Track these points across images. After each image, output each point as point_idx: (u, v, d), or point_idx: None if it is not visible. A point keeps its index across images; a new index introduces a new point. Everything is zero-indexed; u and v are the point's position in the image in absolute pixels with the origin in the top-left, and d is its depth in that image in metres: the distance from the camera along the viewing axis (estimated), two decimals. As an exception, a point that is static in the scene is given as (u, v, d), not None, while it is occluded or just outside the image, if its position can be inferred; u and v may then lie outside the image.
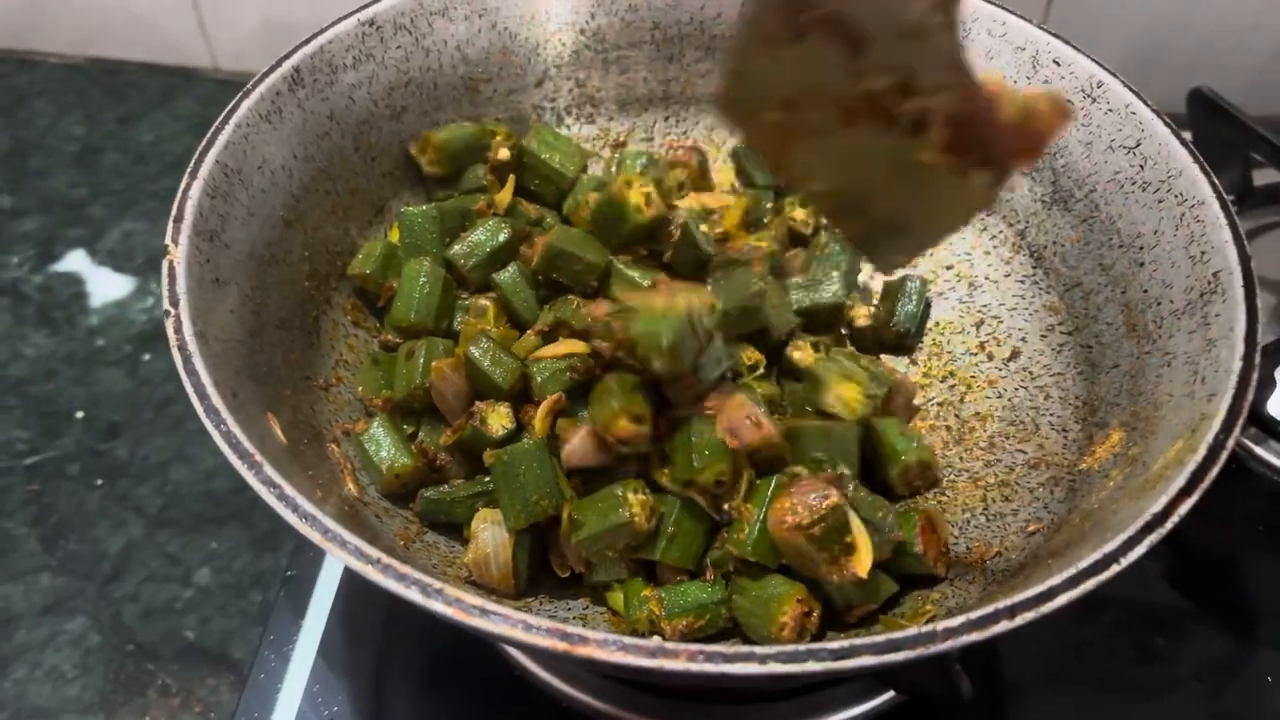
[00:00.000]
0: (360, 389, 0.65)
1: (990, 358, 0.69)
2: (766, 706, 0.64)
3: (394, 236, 0.69)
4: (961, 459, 0.65)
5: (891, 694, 0.66)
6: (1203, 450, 0.47)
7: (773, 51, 0.47)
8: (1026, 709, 0.68)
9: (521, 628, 0.40)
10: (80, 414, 0.94)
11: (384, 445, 0.61)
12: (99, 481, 0.90)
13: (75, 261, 1.06)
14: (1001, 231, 0.71)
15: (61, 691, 0.77)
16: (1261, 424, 0.77)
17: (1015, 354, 0.68)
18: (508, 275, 0.66)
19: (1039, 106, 0.42)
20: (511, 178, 0.72)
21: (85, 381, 0.96)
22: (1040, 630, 0.68)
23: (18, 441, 0.92)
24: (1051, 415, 0.64)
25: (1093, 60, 0.64)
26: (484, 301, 0.66)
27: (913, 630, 0.41)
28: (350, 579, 0.72)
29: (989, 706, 0.68)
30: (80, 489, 0.89)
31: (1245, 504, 0.78)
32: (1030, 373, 0.67)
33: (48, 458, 0.91)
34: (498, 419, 0.61)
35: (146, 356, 0.98)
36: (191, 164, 0.57)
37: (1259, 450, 0.76)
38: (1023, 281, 0.70)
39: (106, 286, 1.04)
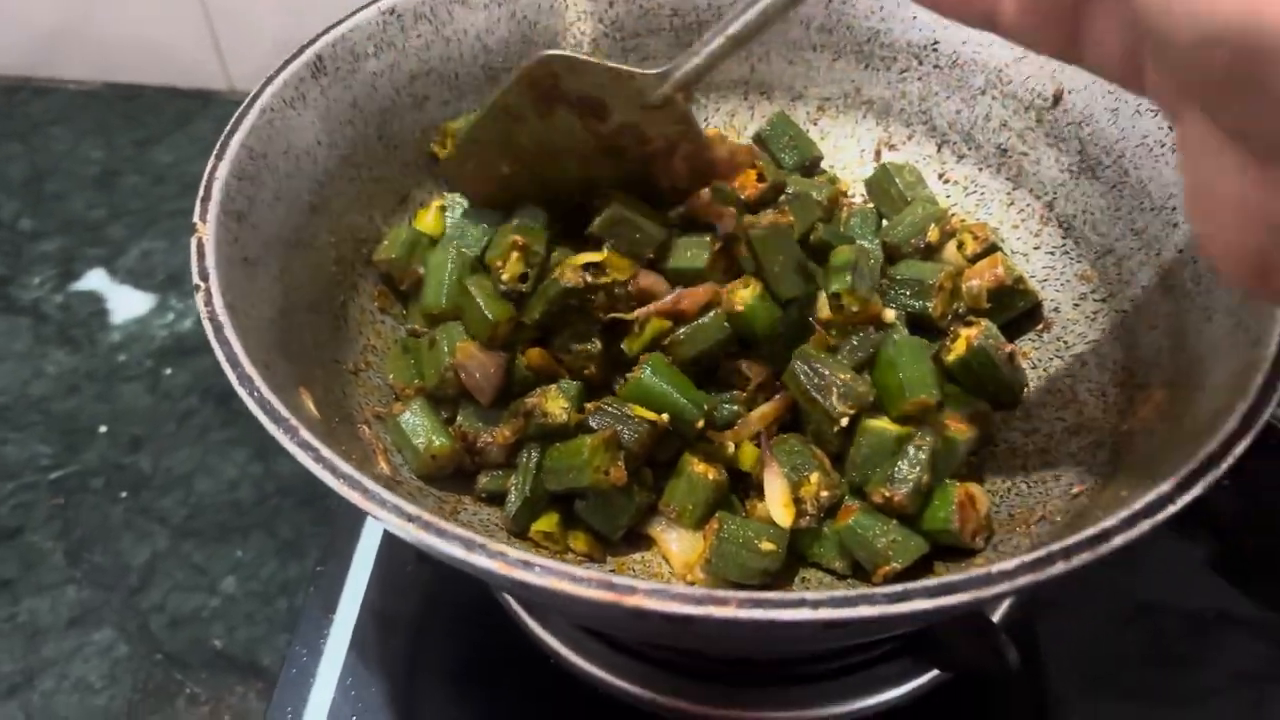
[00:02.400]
0: (391, 377, 0.64)
1: (1022, 331, 0.68)
2: (810, 687, 0.63)
3: (418, 223, 0.69)
4: (999, 431, 0.64)
5: (935, 673, 0.64)
6: (1253, 393, 0.46)
7: (520, 125, 0.59)
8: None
9: (569, 580, 0.40)
10: (103, 429, 0.94)
11: (420, 427, 0.60)
12: (123, 494, 0.89)
13: (95, 280, 1.06)
14: (1029, 204, 0.71)
15: (89, 702, 0.77)
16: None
17: (1048, 325, 0.68)
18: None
19: (738, 149, 0.61)
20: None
21: (107, 397, 0.96)
22: (1083, 638, 0.69)
23: (42, 457, 0.92)
24: (1089, 382, 0.63)
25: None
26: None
27: (967, 573, 0.40)
28: (382, 570, 0.72)
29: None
30: (104, 502, 0.89)
31: (1281, 479, 0.77)
32: (1065, 342, 0.66)
33: (71, 472, 0.91)
34: (557, 404, 0.60)
35: (168, 371, 0.98)
36: (217, 147, 0.57)
37: (1298, 424, 0.75)
38: (1052, 253, 0.69)
39: (127, 304, 1.04)
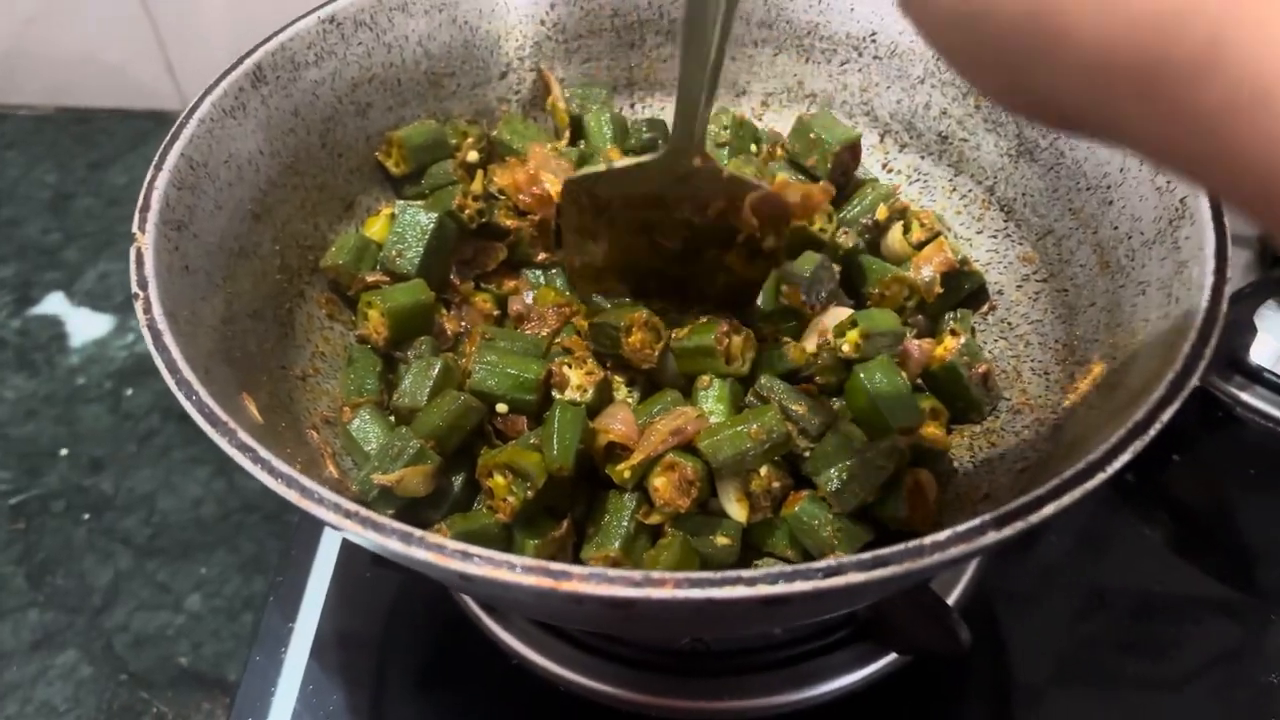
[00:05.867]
0: (340, 391, 0.64)
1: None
2: (767, 675, 0.64)
3: (367, 230, 0.69)
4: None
5: (892, 657, 0.65)
6: (1180, 362, 0.46)
7: (591, 232, 0.63)
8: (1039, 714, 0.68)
9: (506, 568, 0.40)
10: (64, 451, 0.93)
11: (370, 433, 0.60)
12: (85, 516, 0.89)
13: (53, 304, 1.06)
14: (971, 190, 0.72)
15: (54, 725, 0.76)
16: (1246, 371, 0.77)
17: (992, 307, 0.68)
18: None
19: (811, 190, 0.61)
20: (480, 172, 0.72)
21: (67, 420, 0.96)
22: (1047, 625, 0.69)
23: (1, 482, 0.91)
24: (1032, 361, 0.64)
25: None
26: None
27: (900, 546, 0.40)
28: (341, 579, 0.71)
29: (998, 712, 0.68)
30: (66, 524, 0.88)
31: (1235, 452, 0.78)
32: (1008, 323, 0.67)
33: (32, 496, 0.90)
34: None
35: (129, 391, 0.98)
36: (156, 157, 0.57)
37: (1245, 396, 0.77)
38: (995, 236, 0.70)
39: (86, 326, 1.04)
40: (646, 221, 0.62)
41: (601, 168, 0.61)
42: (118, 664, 0.79)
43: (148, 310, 0.49)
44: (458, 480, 0.59)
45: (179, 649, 0.80)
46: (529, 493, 0.55)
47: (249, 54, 0.63)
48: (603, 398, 0.61)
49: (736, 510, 0.58)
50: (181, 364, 0.47)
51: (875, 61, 0.73)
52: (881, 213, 0.70)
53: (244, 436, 0.44)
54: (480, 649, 0.67)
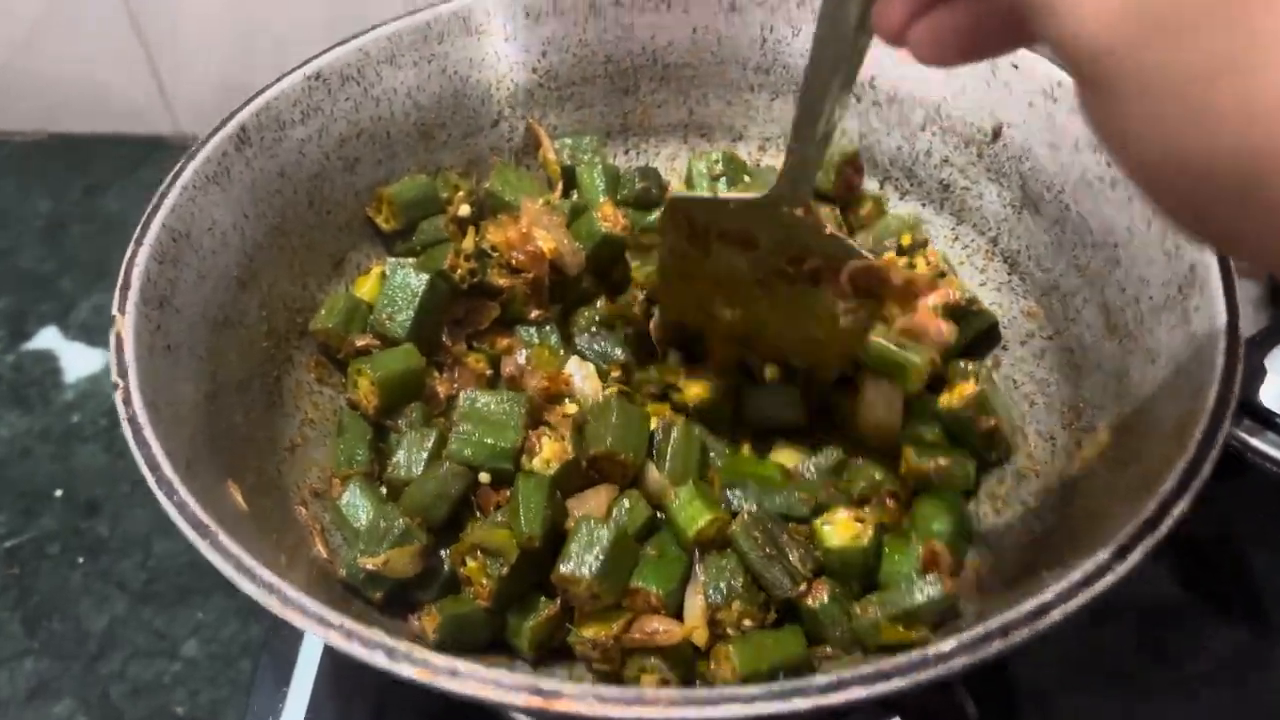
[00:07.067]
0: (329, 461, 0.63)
1: (983, 352, 0.68)
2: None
3: (358, 290, 0.68)
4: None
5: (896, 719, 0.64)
6: (1192, 449, 0.45)
7: (688, 261, 0.62)
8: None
9: (493, 686, 0.39)
10: (59, 492, 0.92)
11: (362, 508, 0.59)
12: (80, 560, 0.88)
13: (47, 339, 1.05)
14: (974, 240, 0.70)
15: (49, 779, 0.76)
16: (1256, 415, 0.75)
17: (996, 363, 0.67)
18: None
19: (915, 278, 0.55)
20: (471, 229, 0.71)
21: (62, 458, 0.95)
22: (1050, 637, 0.68)
23: (-4, 525, 0.90)
24: (1038, 423, 0.62)
25: (1051, 62, 0.63)
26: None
27: (903, 658, 0.39)
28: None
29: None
30: (61, 568, 0.87)
31: (1245, 496, 0.76)
32: (1013, 380, 0.66)
33: (27, 539, 0.89)
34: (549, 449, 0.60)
35: (124, 429, 0.97)
36: (137, 231, 0.56)
37: (1255, 442, 0.75)
38: (999, 289, 0.69)
39: (80, 362, 1.02)
40: (737, 266, 0.60)
41: (707, 195, 0.62)
42: (113, 714, 0.78)
43: (128, 402, 0.48)
44: (448, 558, 0.58)
45: (175, 697, 0.79)
46: (504, 569, 0.54)
47: (232, 115, 0.62)
48: (574, 480, 0.60)
49: (695, 634, 0.57)
50: (162, 459, 0.46)
51: (874, 108, 0.72)
52: (905, 239, 0.70)
53: (225, 540, 0.43)
54: (481, 710, 0.66)
